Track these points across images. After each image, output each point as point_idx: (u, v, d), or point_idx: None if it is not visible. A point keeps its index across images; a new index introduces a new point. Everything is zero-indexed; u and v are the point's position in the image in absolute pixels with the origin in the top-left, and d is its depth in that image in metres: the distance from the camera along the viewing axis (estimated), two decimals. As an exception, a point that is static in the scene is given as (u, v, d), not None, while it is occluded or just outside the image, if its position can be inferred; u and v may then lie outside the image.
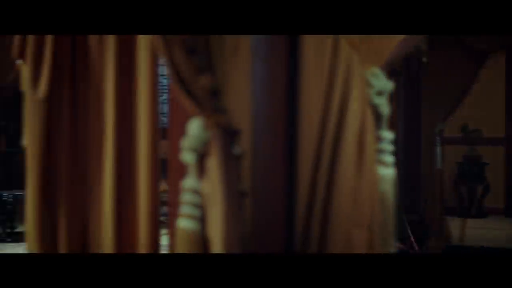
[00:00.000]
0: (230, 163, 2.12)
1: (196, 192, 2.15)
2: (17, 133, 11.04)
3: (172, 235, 3.02)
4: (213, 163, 2.12)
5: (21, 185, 9.80)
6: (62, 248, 2.98)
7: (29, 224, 3.06)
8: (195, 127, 2.21)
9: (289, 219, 2.50)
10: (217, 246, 2.16)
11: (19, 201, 8.04)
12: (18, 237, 8.03)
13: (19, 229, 8.25)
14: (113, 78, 2.96)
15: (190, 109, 2.04)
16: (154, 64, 2.94)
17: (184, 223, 2.16)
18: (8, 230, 8.13)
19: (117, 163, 2.97)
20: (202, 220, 2.14)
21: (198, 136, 2.20)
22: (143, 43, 2.92)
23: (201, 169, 2.20)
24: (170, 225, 3.08)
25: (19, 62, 3.15)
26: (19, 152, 10.94)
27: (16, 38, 3.06)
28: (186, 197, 2.18)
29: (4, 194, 8.09)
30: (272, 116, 2.55)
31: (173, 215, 3.05)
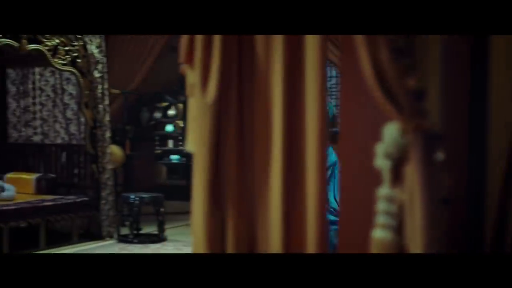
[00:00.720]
0: (432, 170, 2.02)
1: (391, 200, 2.07)
2: (137, 137, 11.43)
3: (341, 240, 3.00)
4: (412, 170, 2.04)
5: (141, 188, 10.09)
6: (230, 249, 3.00)
7: (196, 226, 3.09)
8: (391, 132, 2.12)
9: (475, 223, 2.39)
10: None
11: (144, 203, 8.28)
12: (143, 239, 8.27)
13: (143, 230, 8.49)
14: (281, 80, 2.94)
15: (389, 113, 1.97)
16: (323, 65, 2.90)
17: (380, 233, 2.10)
18: (135, 232, 8.35)
19: (285, 166, 2.95)
20: (398, 229, 2.06)
21: (395, 141, 2.11)
22: (311, 43, 2.88)
23: (396, 176, 2.12)
24: (340, 230, 3.05)
25: (183, 66, 3.19)
26: (141, 155, 11.31)
27: (184, 43, 3.10)
28: (381, 206, 2.11)
29: (131, 197, 8.31)
30: (455, 118, 2.45)
31: (343, 221, 3.02)
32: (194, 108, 3.13)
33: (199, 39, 3.04)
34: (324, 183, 2.90)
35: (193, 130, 3.12)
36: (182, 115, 12.06)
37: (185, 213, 9.99)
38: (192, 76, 3.10)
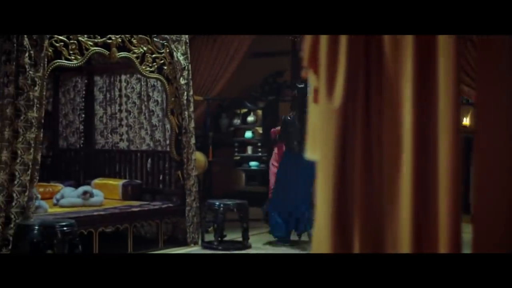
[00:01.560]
0: None
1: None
2: (216, 143, 11.44)
3: (475, 242, 2.91)
4: None
5: (220, 194, 10.09)
6: (355, 249, 2.94)
7: (319, 230, 3.04)
8: None
9: None
10: None
11: (229, 210, 8.24)
12: (228, 246, 8.22)
13: (227, 237, 8.44)
14: (411, 81, 2.84)
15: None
16: (456, 66, 2.79)
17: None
18: (219, 239, 8.31)
19: (415, 169, 2.85)
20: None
21: None
22: (444, 43, 2.78)
23: None
24: (475, 230, 2.95)
25: (306, 70, 3.12)
26: (220, 162, 11.33)
27: (306, 46, 3.04)
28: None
29: (216, 203, 8.27)
30: None
31: (477, 232, 2.92)
32: (316, 114, 3.05)
33: (323, 41, 2.97)
34: (458, 183, 2.80)
35: (316, 137, 3.05)
36: (261, 121, 12.07)
37: (263, 219, 9.95)
38: (316, 81, 3.03)
